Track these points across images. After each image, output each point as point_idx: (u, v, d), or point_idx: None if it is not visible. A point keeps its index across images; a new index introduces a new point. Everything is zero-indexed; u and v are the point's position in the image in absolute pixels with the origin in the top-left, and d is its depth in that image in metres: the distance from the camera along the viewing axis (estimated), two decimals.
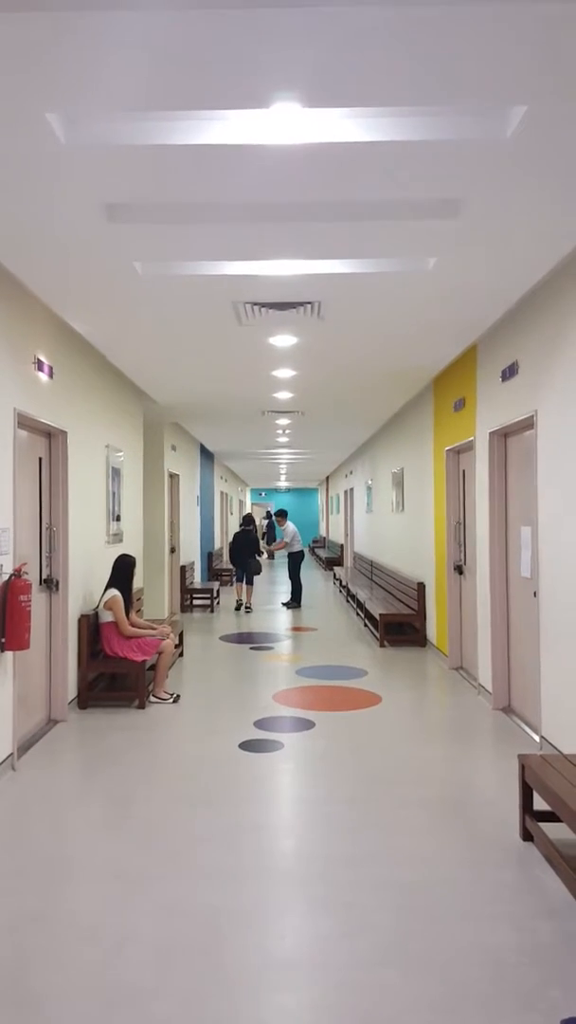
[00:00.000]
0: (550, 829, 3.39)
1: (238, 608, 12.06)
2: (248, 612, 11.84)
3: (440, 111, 2.70)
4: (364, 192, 3.25)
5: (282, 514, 13.53)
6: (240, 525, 12.85)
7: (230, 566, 16.13)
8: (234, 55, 2.30)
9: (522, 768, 3.37)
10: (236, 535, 12.45)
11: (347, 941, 2.57)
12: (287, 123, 2.74)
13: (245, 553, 12.06)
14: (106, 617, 5.91)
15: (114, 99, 2.52)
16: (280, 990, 2.31)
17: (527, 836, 3.36)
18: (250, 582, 12.06)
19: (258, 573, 12.19)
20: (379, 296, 4.73)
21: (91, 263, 4.10)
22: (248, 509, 32.40)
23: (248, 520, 12.90)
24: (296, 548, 12.85)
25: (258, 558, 12.29)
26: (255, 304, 4.88)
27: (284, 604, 12.60)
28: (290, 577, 12.75)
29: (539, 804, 3.70)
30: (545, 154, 2.91)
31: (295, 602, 12.48)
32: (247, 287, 4.52)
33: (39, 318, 4.88)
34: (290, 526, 13.03)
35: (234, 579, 12.59)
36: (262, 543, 13.73)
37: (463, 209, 3.44)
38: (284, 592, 14.76)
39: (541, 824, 3.41)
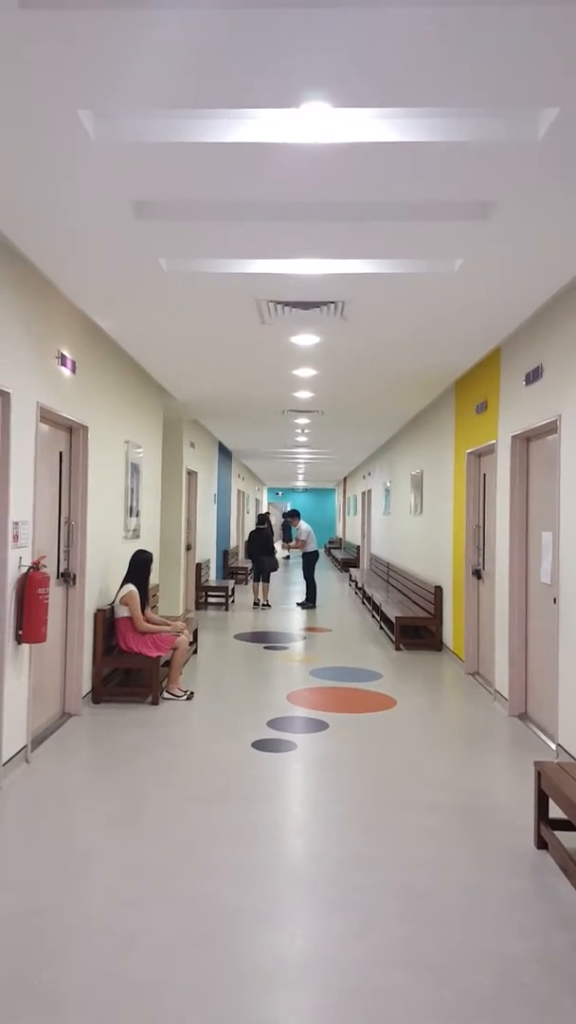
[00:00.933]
0: (565, 838, 3.36)
1: (256, 605, 12.29)
2: (266, 608, 12.14)
3: (471, 113, 2.68)
4: (392, 192, 3.23)
5: (294, 514, 13.53)
6: (256, 524, 13.02)
7: (246, 565, 16.38)
8: (265, 55, 2.30)
9: (538, 775, 3.34)
10: (252, 534, 12.68)
11: (356, 943, 2.56)
12: (317, 123, 2.74)
13: (261, 551, 12.33)
14: (122, 612, 5.94)
15: (145, 97, 2.53)
16: (289, 989, 2.30)
17: (542, 844, 3.33)
18: (267, 580, 12.32)
19: (274, 570, 12.49)
20: (403, 297, 4.70)
21: (117, 259, 4.12)
22: (265, 508, 32.42)
23: (264, 519, 13.09)
24: (311, 548, 12.84)
25: (275, 556, 12.52)
26: (279, 303, 4.88)
27: (299, 604, 12.60)
28: (304, 577, 12.74)
29: (554, 812, 3.66)
30: None
31: (310, 602, 12.46)
32: (271, 286, 4.52)
33: (63, 313, 4.91)
34: (304, 525, 13.02)
35: (250, 578, 12.73)
36: (279, 543, 13.83)
37: (491, 211, 3.41)
38: (299, 591, 14.75)
39: (556, 832, 3.37)
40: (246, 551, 12.73)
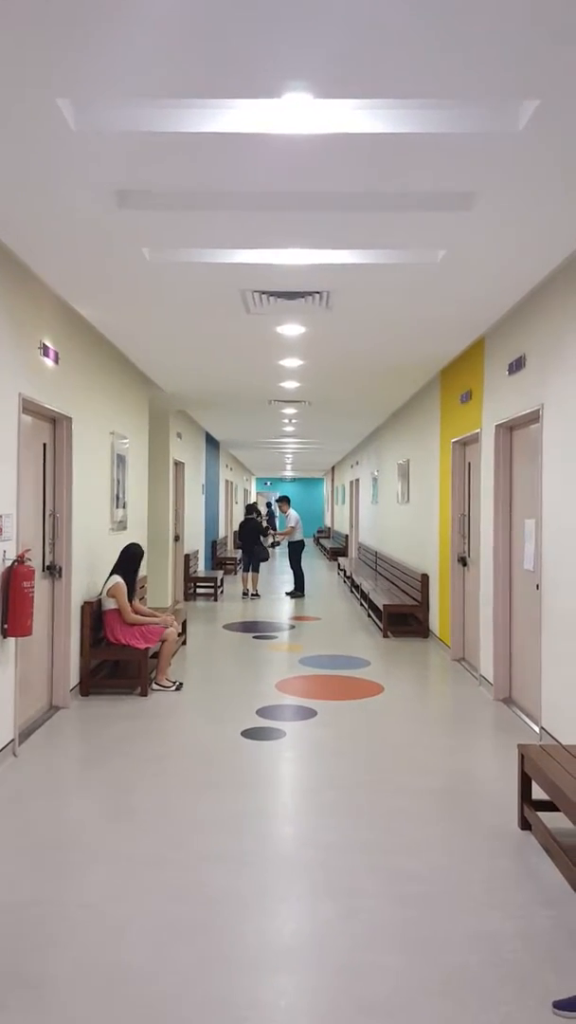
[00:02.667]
0: (548, 818, 3.43)
1: (245, 595, 12.34)
2: (255, 597, 12.20)
3: (452, 104, 2.69)
4: (374, 183, 3.24)
5: (285, 500, 13.52)
6: (245, 514, 13.13)
7: (235, 555, 16.48)
8: (246, 45, 2.30)
9: (521, 758, 3.40)
10: (242, 524, 12.77)
11: (347, 926, 2.61)
12: (298, 113, 2.74)
13: (250, 540, 12.43)
14: (109, 604, 5.95)
15: (125, 86, 2.52)
16: (281, 972, 2.35)
17: (525, 825, 3.40)
18: (256, 569, 12.39)
19: (265, 560, 12.56)
20: (387, 287, 4.72)
21: (100, 249, 4.11)
22: (253, 498, 32.50)
23: (252, 509, 13.21)
24: (298, 537, 12.85)
25: (264, 545, 12.62)
26: (263, 292, 4.87)
27: (288, 594, 12.63)
28: (291, 567, 12.75)
29: (537, 794, 3.73)
30: (556, 148, 2.90)
31: (299, 591, 12.50)
32: (256, 275, 4.52)
33: (46, 303, 4.88)
34: (292, 513, 13.02)
35: (239, 568, 12.83)
36: (270, 532, 14.04)
37: (474, 202, 3.43)
38: (288, 581, 14.80)
39: (539, 813, 3.44)
40: (236, 541, 12.81)
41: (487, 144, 2.89)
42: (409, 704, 5.61)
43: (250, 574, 12.38)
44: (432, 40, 2.27)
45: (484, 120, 2.76)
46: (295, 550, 12.78)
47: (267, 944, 2.49)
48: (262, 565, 17.92)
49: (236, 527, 16.68)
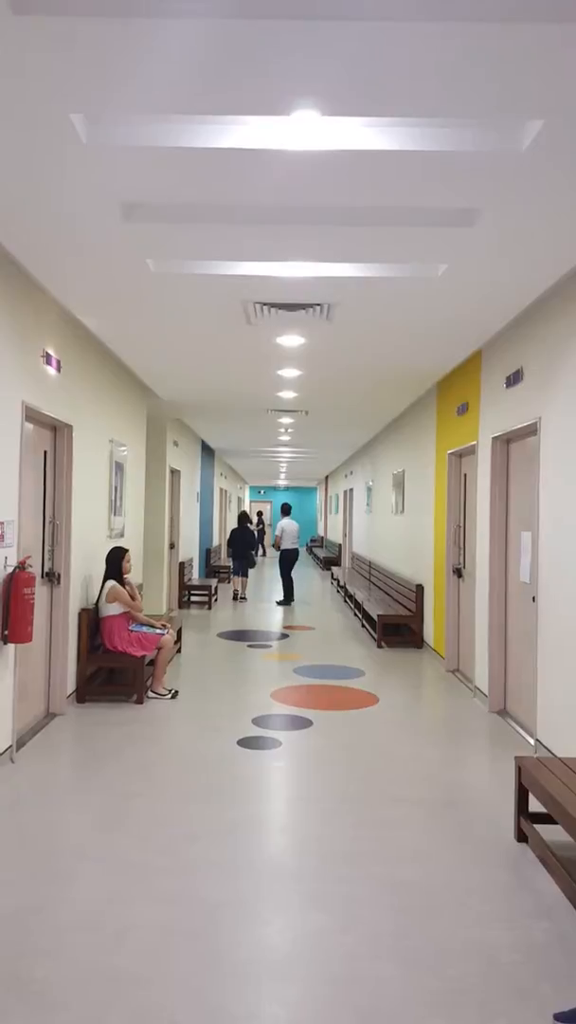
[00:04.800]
0: (544, 831, 3.44)
1: (235, 598, 13.13)
2: (243, 600, 13.05)
3: (457, 123, 2.74)
4: (378, 199, 3.29)
5: (284, 509, 13.63)
6: (237, 522, 13.71)
7: (228, 564, 16.78)
8: (256, 64, 2.34)
9: (518, 770, 3.42)
10: (233, 531, 13.38)
11: (342, 935, 2.62)
12: (306, 130, 2.78)
13: (241, 548, 13.13)
14: (107, 611, 5.95)
15: (137, 102, 2.55)
16: (276, 981, 2.35)
17: (521, 837, 3.41)
18: (245, 574, 13.26)
19: (252, 567, 13.53)
20: (388, 300, 4.77)
21: (105, 261, 4.14)
22: (247, 506, 32.67)
23: (244, 518, 13.79)
24: (286, 546, 12.90)
25: (253, 553, 13.46)
26: (265, 304, 4.92)
27: (278, 602, 12.71)
28: (280, 575, 12.91)
29: (534, 806, 3.74)
30: (559, 168, 2.96)
31: (287, 599, 12.65)
32: (257, 287, 4.56)
33: (49, 312, 4.91)
34: (282, 522, 13.14)
35: (232, 573, 13.75)
36: (265, 540, 14.61)
37: (476, 219, 3.48)
38: (280, 588, 14.78)
39: (536, 826, 3.46)
40: (228, 547, 13.61)
41: (491, 163, 2.94)
42: (404, 715, 5.63)
43: (240, 578, 13.13)
44: (437, 61, 2.32)
45: (488, 140, 2.81)
46: (284, 559, 12.85)
47: (263, 953, 2.50)
48: (256, 573, 18.59)
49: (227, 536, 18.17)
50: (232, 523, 23.19)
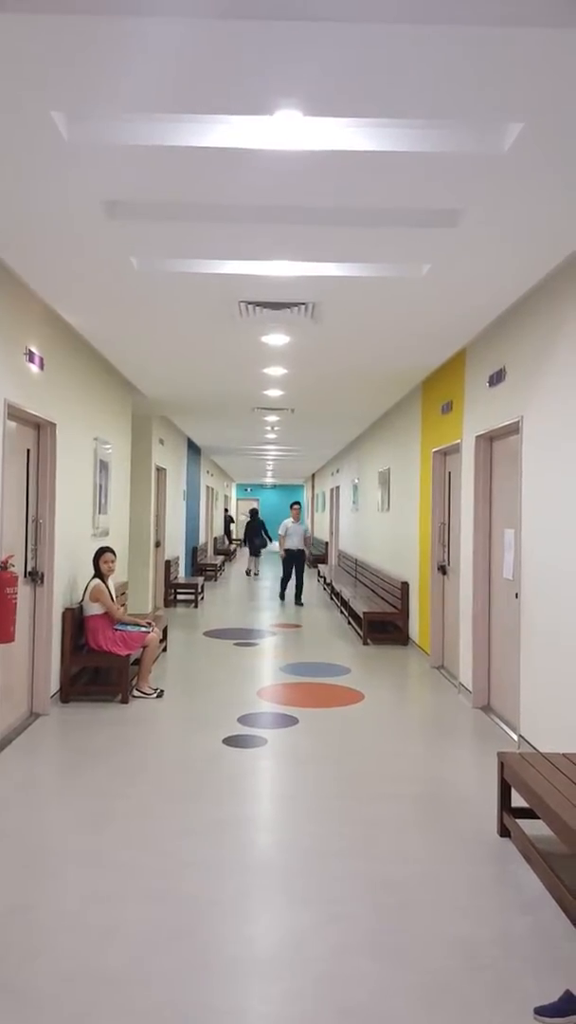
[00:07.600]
0: (527, 825, 3.48)
1: (247, 573, 17.77)
2: (256, 576, 17.42)
3: (439, 125, 2.75)
4: (362, 199, 3.30)
5: (292, 507, 13.50)
6: (250, 516, 18.40)
7: (218, 558, 18.78)
8: (240, 63, 2.34)
9: (501, 766, 3.46)
10: (247, 524, 18.22)
11: (327, 932, 2.63)
12: (289, 130, 2.78)
13: (253, 533, 17.91)
14: (91, 610, 5.92)
15: (120, 100, 2.54)
16: (262, 978, 2.36)
17: (504, 832, 3.45)
18: (257, 555, 17.93)
19: (264, 547, 18.14)
20: (372, 299, 4.78)
21: (88, 258, 4.12)
22: (233, 503, 33.41)
23: (255, 513, 18.44)
24: (288, 546, 12.79)
25: (264, 538, 18.03)
26: (249, 303, 4.91)
27: (296, 603, 12.58)
28: (282, 575, 12.88)
29: (516, 801, 3.78)
30: (540, 169, 2.98)
31: (297, 599, 12.55)
32: (242, 286, 4.56)
33: (32, 309, 4.88)
34: (284, 522, 13.08)
35: (247, 553, 18.81)
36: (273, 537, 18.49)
37: (459, 219, 3.50)
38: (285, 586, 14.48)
39: (518, 820, 3.49)
40: (243, 536, 19.95)
41: (473, 164, 2.96)
42: (389, 711, 5.66)
43: (253, 559, 17.81)
44: (420, 63, 2.33)
45: (470, 141, 2.83)
46: (289, 559, 12.78)
47: (248, 950, 2.51)
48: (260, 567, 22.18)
49: (222, 529, 26.16)
50: (219, 520, 25.94)
